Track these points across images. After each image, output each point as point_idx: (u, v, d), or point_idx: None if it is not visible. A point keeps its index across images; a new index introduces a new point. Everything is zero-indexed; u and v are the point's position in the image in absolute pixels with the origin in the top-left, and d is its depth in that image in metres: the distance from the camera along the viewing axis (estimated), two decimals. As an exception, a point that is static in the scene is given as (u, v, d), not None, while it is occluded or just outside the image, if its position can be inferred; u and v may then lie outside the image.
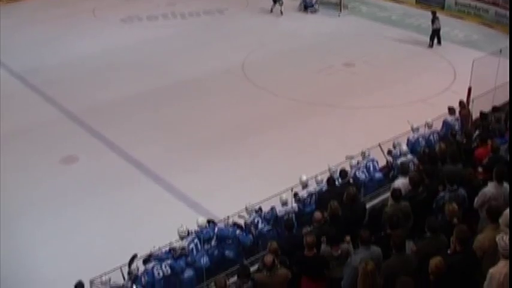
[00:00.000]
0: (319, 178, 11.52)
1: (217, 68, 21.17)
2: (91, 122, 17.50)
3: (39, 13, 27.75)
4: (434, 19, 22.98)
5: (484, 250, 7.55)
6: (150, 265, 9.56)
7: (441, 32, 23.02)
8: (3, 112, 17.58)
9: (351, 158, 12.26)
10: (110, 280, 9.22)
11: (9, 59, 22.09)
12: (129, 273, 9.56)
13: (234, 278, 8.55)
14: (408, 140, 13.04)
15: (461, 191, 9.45)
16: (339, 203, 9.45)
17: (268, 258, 8.05)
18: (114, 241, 12.03)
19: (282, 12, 27.30)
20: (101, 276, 9.16)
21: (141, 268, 9.54)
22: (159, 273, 9.49)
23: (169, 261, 9.64)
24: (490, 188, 8.96)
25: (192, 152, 15.77)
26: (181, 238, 10.04)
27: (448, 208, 8.47)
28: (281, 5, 27.25)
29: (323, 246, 8.62)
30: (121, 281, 9.35)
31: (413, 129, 13.08)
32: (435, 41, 23.10)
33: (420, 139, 13.07)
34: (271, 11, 27.57)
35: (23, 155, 15.76)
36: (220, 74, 20.73)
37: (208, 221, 10.59)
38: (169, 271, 9.56)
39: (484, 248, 7.56)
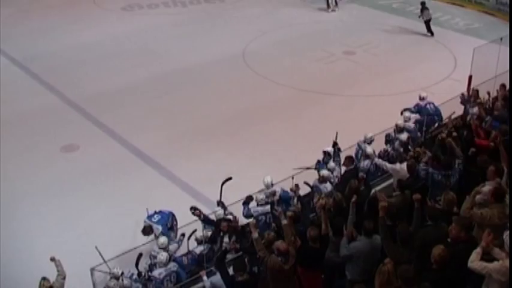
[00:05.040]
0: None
1: (218, 56, 21.10)
2: (92, 110, 17.48)
3: (39, 1, 27.68)
4: (423, 9, 22.46)
5: (484, 223, 7.66)
6: (160, 274, 9.44)
7: (442, 20, 22.94)
8: (4, 100, 17.57)
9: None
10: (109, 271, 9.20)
11: (10, 47, 22.06)
12: (139, 274, 9.57)
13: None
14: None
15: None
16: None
17: (284, 245, 7.94)
18: (114, 229, 12.06)
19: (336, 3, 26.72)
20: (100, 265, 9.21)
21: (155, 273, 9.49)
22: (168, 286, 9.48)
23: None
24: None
25: (193, 140, 15.77)
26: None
27: (448, 198, 8.49)
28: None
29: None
30: (119, 269, 9.35)
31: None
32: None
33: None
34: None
35: (23, 143, 15.77)
36: (221, 62, 20.66)
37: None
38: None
39: (485, 220, 7.69)
